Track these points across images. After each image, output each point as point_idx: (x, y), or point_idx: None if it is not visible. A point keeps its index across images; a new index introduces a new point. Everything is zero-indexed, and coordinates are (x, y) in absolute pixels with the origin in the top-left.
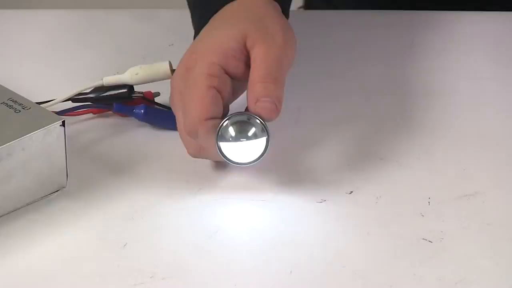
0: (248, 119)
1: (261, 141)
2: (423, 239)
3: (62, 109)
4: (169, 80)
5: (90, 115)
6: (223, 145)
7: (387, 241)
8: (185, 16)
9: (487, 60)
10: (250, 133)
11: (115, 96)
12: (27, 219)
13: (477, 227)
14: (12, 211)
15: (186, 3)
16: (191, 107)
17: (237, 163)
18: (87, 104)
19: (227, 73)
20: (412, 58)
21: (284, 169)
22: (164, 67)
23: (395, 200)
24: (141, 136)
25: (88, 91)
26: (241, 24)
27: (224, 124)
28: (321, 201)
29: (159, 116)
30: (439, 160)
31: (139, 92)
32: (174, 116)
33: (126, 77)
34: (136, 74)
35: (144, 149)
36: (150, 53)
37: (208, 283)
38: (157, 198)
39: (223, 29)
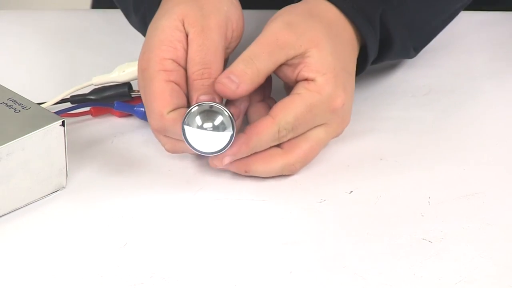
0: (212, 108)
1: (226, 134)
2: (423, 239)
3: (62, 109)
4: None
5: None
6: (188, 130)
7: (387, 241)
8: None
9: (487, 60)
10: (216, 123)
11: (115, 95)
12: (27, 219)
13: (477, 227)
14: (12, 211)
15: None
16: (152, 104)
17: (200, 151)
18: (86, 104)
19: (182, 64)
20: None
21: None
22: None
23: (395, 200)
24: (141, 136)
25: (86, 92)
26: (177, 8)
27: (192, 110)
28: (321, 201)
29: None
30: (439, 160)
31: (138, 91)
32: None
33: (114, 75)
34: (123, 71)
35: (144, 149)
36: None
37: (208, 283)
38: (157, 198)
39: (164, 18)
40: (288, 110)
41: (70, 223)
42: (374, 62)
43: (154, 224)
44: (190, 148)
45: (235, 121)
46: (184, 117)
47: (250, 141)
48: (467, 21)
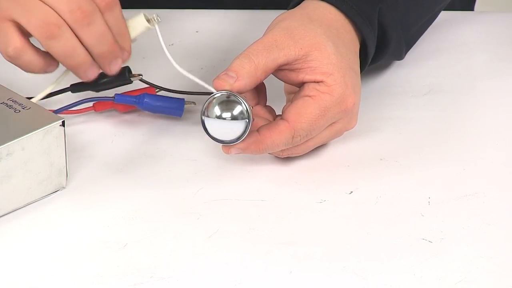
0: (229, 98)
1: (242, 122)
2: (423, 239)
3: (64, 106)
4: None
5: (91, 112)
6: (207, 120)
7: (387, 241)
8: (185, 16)
9: (487, 60)
10: (234, 112)
11: (114, 80)
12: (27, 219)
13: (477, 227)
14: (12, 211)
15: (184, 4)
16: None
17: (219, 140)
18: (87, 99)
19: None
20: (412, 58)
21: (284, 169)
22: (139, 20)
23: (395, 200)
24: (142, 136)
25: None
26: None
27: (210, 101)
28: (321, 201)
29: (162, 103)
30: (439, 160)
31: (138, 74)
32: (178, 103)
33: None
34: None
35: (144, 149)
36: (150, 53)
37: (208, 283)
38: (157, 198)
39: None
40: (303, 116)
41: (70, 223)
42: (370, 63)
43: (154, 224)
44: (209, 137)
45: (251, 110)
46: (202, 108)
47: (262, 143)
48: (466, 21)
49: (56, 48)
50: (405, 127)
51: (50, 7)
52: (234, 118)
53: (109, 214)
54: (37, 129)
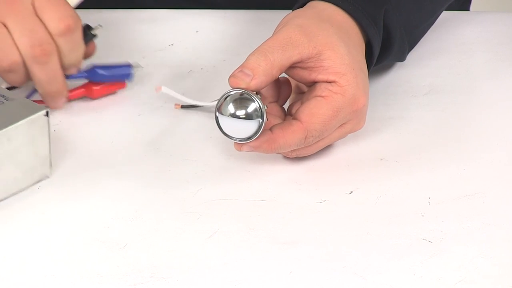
0: (242, 95)
1: (255, 121)
2: (423, 239)
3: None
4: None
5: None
6: (221, 117)
7: (387, 241)
8: (185, 16)
9: (487, 60)
10: (248, 110)
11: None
12: (27, 219)
13: (477, 227)
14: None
15: (184, 4)
16: None
17: (232, 138)
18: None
19: None
20: (413, 58)
21: (284, 169)
22: None
23: (395, 200)
24: (141, 136)
25: None
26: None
27: (225, 98)
28: (321, 201)
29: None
30: (439, 160)
31: (99, 25)
32: (125, 70)
33: None
34: None
35: (144, 149)
36: (150, 53)
37: (208, 283)
38: (157, 198)
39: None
40: (316, 116)
41: (71, 223)
42: (374, 64)
43: (154, 224)
44: (223, 134)
45: (265, 109)
46: (216, 105)
47: (275, 142)
48: (466, 21)
49: (9, 78)
50: (405, 127)
51: (14, 40)
52: (248, 117)
53: (109, 214)
54: (22, 119)
